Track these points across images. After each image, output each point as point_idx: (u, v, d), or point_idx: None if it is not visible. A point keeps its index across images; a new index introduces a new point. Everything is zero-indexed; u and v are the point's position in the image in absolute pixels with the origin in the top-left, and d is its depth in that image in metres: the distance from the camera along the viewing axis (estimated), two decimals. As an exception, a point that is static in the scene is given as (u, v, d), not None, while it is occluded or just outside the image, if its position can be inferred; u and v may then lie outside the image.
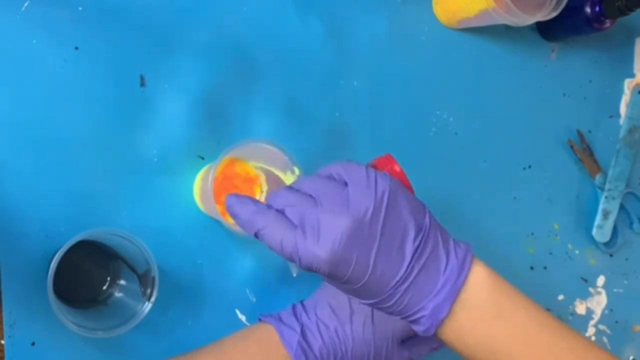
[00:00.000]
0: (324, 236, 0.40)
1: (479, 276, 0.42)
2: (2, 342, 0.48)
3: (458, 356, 0.61)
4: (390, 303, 0.42)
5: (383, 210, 0.41)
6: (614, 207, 0.71)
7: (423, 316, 0.42)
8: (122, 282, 0.52)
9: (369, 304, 0.42)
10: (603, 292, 0.71)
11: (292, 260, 0.41)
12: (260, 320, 0.53)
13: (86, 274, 0.52)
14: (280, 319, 0.52)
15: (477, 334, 0.42)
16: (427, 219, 0.42)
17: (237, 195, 0.44)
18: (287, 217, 0.42)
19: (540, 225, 0.69)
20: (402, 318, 0.43)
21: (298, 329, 0.50)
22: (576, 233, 0.71)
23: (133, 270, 0.50)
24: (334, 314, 0.51)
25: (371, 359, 0.51)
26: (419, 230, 0.41)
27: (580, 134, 0.72)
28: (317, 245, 0.40)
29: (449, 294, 0.41)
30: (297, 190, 0.43)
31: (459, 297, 0.41)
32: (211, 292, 0.55)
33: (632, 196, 0.73)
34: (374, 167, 0.49)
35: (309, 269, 0.41)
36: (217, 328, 0.53)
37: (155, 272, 0.48)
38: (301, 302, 0.54)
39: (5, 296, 0.48)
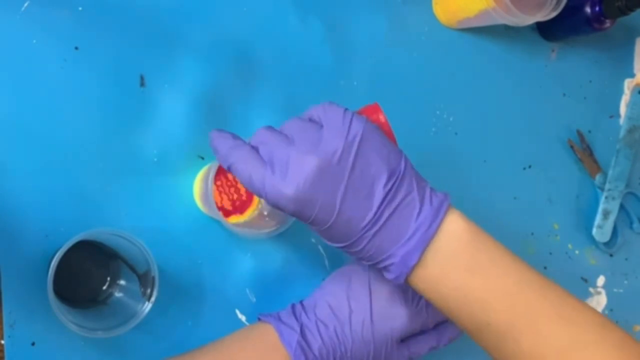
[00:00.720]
0: (291, 174, 0.40)
1: (455, 226, 0.41)
2: (2, 342, 0.48)
3: (458, 355, 0.61)
4: (359, 247, 0.41)
5: (353, 152, 0.40)
6: (614, 207, 0.71)
7: (392, 263, 0.41)
8: (122, 282, 0.52)
9: (339, 247, 0.42)
10: (603, 292, 0.71)
11: (260, 196, 0.42)
12: (259, 320, 0.53)
13: (86, 274, 0.52)
14: (279, 319, 0.52)
15: (450, 285, 0.41)
16: (402, 165, 0.42)
17: (219, 130, 0.45)
18: (259, 154, 0.42)
19: (540, 225, 0.69)
20: (373, 264, 0.42)
21: (297, 329, 0.50)
22: (576, 233, 0.71)
23: (133, 270, 0.50)
24: (333, 314, 0.51)
25: (371, 359, 0.51)
26: (391, 174, 0.41)
27: (580, 134, 0.72)
28: (283, 183, 0.40)
29: (419, 241, 0.40)
30: (277, 130, 0.43)
31: (431, 246, 0.41)
32: (211, 292, 0.55)
33: (632, 196, 0.73)
34: (360, 114, 0.49)
35: (276, 207, 0.41)
36: (217, 328, 0.53)
37: (155, 272, 0.48)
38: (300, 302, 0.54)
39: (5, 296, 0.48)
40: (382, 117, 0.48)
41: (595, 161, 0.72)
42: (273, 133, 0.43)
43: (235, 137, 0.44)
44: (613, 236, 0.71)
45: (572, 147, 0.72)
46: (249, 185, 0.42)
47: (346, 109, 0.43)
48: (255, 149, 0.43)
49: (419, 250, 0.41)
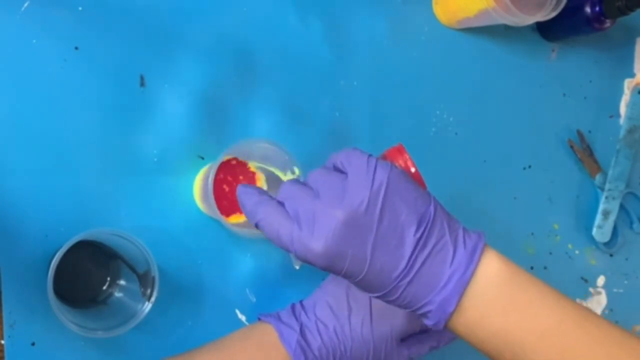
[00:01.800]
0: (318, 229, 0.39)
1: (491, 268, 0.40)
2: (2, 342, 0.48)
3: (458, 355, 0.61)
4: (395, 296, 0.41)
5: (380, 202, 0.40)
6: (614, 207, 0.71)
7: (430, 310, 0.40)
8: (122, 282, 0.52)
9: (376, 297, 0.42)
10: (603, 292, 0.71)
11: (289, 252, 0.41)
12: (259, 319, 0.53)
13: (86, 274, 0.52)
14: (279, 319, 0.52)
15: (488, 328, 0.40)
16: (431, 209, 0.41)
17: (246, 186, 0.44)
18: (286, 210, 0.42)
19: (540, 225, 0.69)
20: (412, 312, 0.42)
21: (297, 329, 0.50)
22: (576, 233, 0.71)
23: (133, 270, 0.50)
24: (333, 314, 0.51)
25: (370, 358, 0.51)
26: (421, 221, 0.40)
27: (580, 134, 0.72)
28: (311, 238, 0.39)
29: (456, 287, 0.40)
30: (302, 184, 0.43)
31: (469, 290, 0.40)
32: (211, 292, 0.55)
33: (632, 196, 0.73)
34: (384, 158, 0.49)
35: (306, 262, 0.41)
36: (217, 328, 0.53)
37: (155, 272, 0.48)
38: (300, 302, 0.54)
39: (5, 296, 0.48)
40: (407, 159, 0.48)
41: (595, 161, 0.72)
42: (298, 187, 0.42)
43: (261, 192, 0.44)
44: (613, 236, 0.71)
45: (572, 147, 0.72)
46: (277, 242, 0.42)
47: (370, 156, 0.42)
48: (281, 204, 0.42)
49: (456, 297, 0.40)
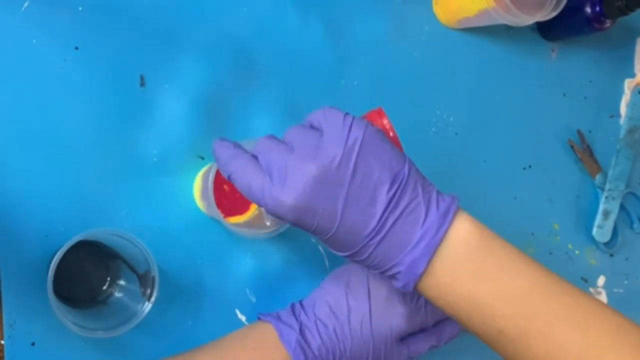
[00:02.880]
0: (289, 182, 0.39)
1: (462, 231, 0.40)
2: (2, 342, 0.48)
3: (459, 354, 0.61)
4: (365, 256, 0.40)
5: (353, 158, 0.39)
6: (614, 207, 0.71)
7: (399, 271, 0.40)
8: (122, 282, 0.52)
9: (344, 256, 0.42)
10: (603, 292, 0.71)
11: (260, 205, 0.41)
12: (259, 319, 0.53)
13: (86, 274, 0.52)
14: (279, 318, 0.52)
15: (459, 292, 0.40)
16: (405, 169, 0.40)
17: (221, 139, 0.44)
18: (259, 163, 0.42)
19: (540, 225, 0.69)
20: (380, 273, 0.42)
21: (297, 328, 0.50)
22: (576, 233, 0.71)
23: (133, 270, 0.50)
24: (332, 314, 0.51)
25: (370, 358, 0.51)
26: (394, 180, 0.40)
27: (580, 134, 0.72)
28: (282, 191, 0.39)
29: (426, 248, 0.39)
30: (277, 139, 0.43)
31: (439, 253, 0.40)
32: (211, 292, 0.55)
33: (632, 196, 0.73)
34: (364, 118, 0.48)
35: (276, 216, 0.41)
36: (217, 328, 0.53)
37: (155, 272, 0.48)
38: (300, 301, 0.54)
39: (5, 296, 0.48)
40: (386, 122, 0.47)
41: (595, 161, 0.72)
42: (273, 142, 0.42)
43: (236, 145, 0.44)
44: (613, 236, 0.71)
45: (572, 147, 0.72)
46: (249, 194, 0.42)
47: (347, 114, 0.42)
48: (255, 158, 0.42)
49: (426, 258, 0.39)
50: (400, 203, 0.40)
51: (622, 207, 0.72)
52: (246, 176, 0.41)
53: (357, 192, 0.39)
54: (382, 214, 0.39)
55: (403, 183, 0.40)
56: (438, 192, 0.42)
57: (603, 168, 0.72)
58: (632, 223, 0.73)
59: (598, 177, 0.72)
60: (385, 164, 0.40)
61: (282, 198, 0.39)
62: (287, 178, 0.39)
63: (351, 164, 0.39)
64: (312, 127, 0.43)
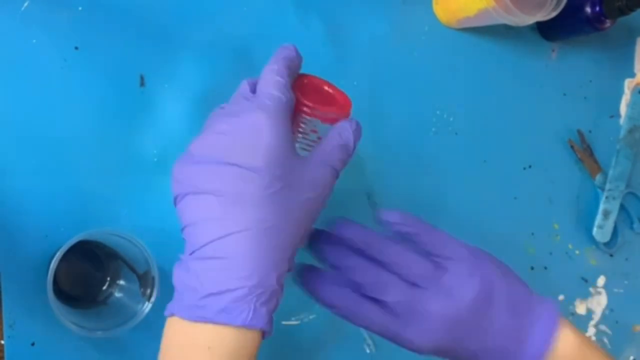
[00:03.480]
0: (425, 330, 0.40)
1: (566, 344, 0.42)
2: (2, 342, 0.48)
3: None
4: None
5: (485, 301, 0.41)
6: (614, 207, 0.71)
7: None
8: (122, 282, 0.52)
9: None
10: (603, 292, 0.71)
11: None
12: None
13: (86, 274, 0.52)
14: None
15: None
16: (524, 295, 0.43)
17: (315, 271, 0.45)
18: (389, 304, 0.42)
19: (540, 225, 0.69)
20: None
21: None
22: (576, 233, 0.71)
23: (133, 270, 0.50)
24: None
25: None
26: (512, 309, 0.42)
27: (580, 134, 0.72)
28: (413, 335, 0.40)
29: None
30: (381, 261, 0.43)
31: None
32: (211, 292, 0.55)
33: (632, 196, 0.73)
34: (319, 111, 0.47)
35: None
36: (217, 328, 0.53)
37: (155, 272, 0.48)
38: None
39: (5, 296, 0.48)
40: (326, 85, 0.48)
41: (595, 161, 0.72)
42: (387, 277, 0.42)
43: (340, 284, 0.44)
44: (613, 236, 0.71)
45: (572, 147, 0.72)
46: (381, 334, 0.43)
47: (472, 248, 0.43)
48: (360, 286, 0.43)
49: None
50: (506, 322, 0.42)
51: (622, 207, 0.72)
52: (372, 319, 0.42)
53: (481, 325, 0.41)
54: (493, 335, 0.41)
55: (501, 302, 0.42)
56: (538, 299, 0.43)
57: (603, 168, 0.72)
58: (632, 223, 0.73)
59: (598, 177, 0.72)
60: (510, 302, 0.42)
61: (415, 342, 0.40)
62: (418, 320, 0.40)
63: (483, 307, 0.41)
64: (421, 249, 0.43)
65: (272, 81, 0.41)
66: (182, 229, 0.41)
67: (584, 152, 0.72)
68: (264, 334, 0.39)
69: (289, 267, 0.40)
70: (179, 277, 0.39)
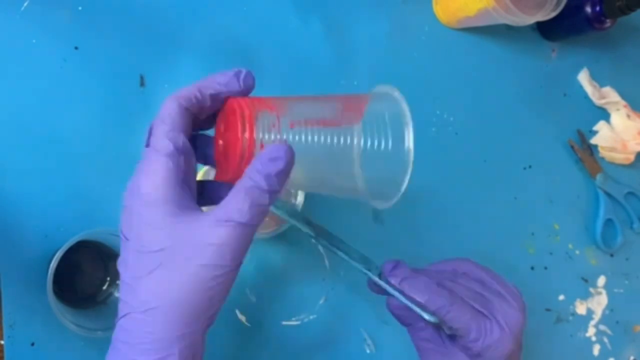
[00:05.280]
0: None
1: None
2: (2, 342, 0.48)
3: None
4: None
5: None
6: (615, 207, 0.71)
7: None
8: (122, 282, 0.52)
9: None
10: (603, 292, 0.71)
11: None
12: None
13: (86, 274, 0.52)
14: None
15: None
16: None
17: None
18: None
19: (540, 225, 0.69)
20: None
21: None
22: (577, 233, 0.71)
23: (133, 270, 0.50)
24: None
25: None
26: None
27: (580, 134, 0.72)
28: None
29: None
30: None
31: None
32: (211, 292, 0.55)
33: (632, 196, 0.73)
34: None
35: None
36: (216, 328, 0.53)
37: (155, 272, 0.48)
38: None
39: (5, 296, 0.48)
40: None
41: (595, 161, 0.72)
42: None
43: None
44: (613, 236, 0.71)
45: (572, 147, 0.72)
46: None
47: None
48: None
49: None
50: None
51: (622, 207, 0.72)
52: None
53: None
54: None
55: None
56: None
57: (603, 168, 0.72)
58: (632, 223, 0.73)
59: (598, 177, 0.72)
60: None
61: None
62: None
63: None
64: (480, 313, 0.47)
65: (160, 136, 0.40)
66: None
67: (584, 152, 0.72)
68: None
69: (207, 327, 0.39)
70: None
